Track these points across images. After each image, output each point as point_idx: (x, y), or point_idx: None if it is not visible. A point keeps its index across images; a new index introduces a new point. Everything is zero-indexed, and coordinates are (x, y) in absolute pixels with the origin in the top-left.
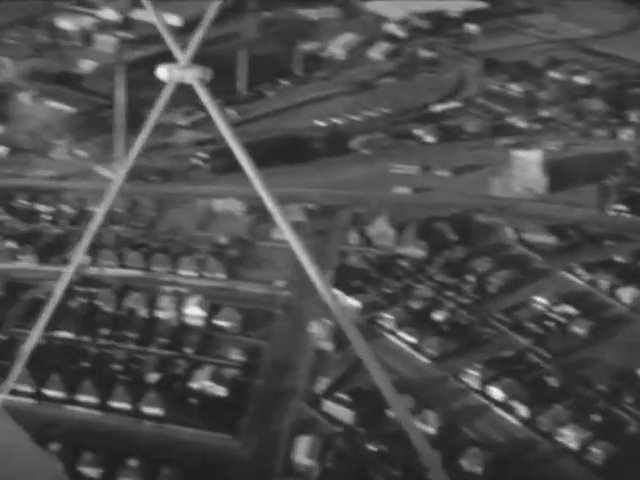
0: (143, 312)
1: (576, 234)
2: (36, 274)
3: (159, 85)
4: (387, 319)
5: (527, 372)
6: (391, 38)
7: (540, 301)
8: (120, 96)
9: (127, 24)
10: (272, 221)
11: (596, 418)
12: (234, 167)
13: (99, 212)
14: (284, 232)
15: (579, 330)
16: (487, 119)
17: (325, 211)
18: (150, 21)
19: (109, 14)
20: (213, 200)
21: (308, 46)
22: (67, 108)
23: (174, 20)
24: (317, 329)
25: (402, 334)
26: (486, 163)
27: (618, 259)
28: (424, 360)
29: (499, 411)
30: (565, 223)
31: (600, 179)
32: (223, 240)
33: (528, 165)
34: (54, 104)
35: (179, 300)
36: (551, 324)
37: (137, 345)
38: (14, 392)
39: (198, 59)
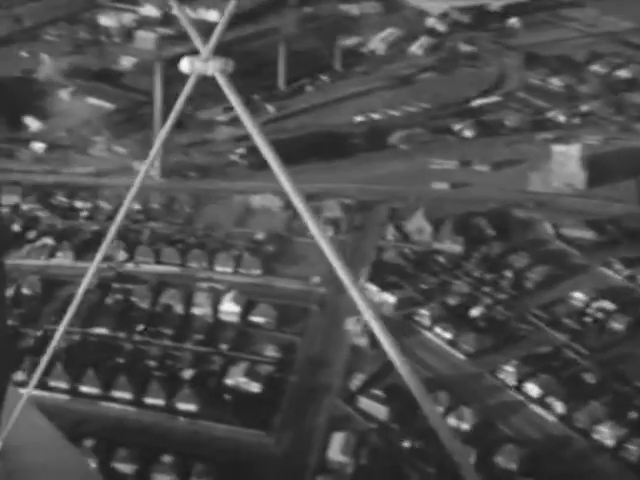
0: (179, 308)
1: (615, 229)
2: (72, 270)
3: (198, 81)
4: (423, 315)
5: (564, 368)
6: (431, 32)
7: (578, 297)
8: (159, 92)
9: (167, 20)
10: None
11: (633, 415)
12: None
13: (122, 208)
14: (311, 228)
15: (617, 326)
16: (527, 113)
17: (362, 206)
18: (191, 17)
19: (149, 10)
20: (250, 196)
21: (348, 41)
22: (106, 105)
23: (213, 15)
24: (352, 325)
25: (438, 330)
26: (525, 158)
27: None
28: (460, 356)
29: (535, 408)
30: (604, 218)
31: None
32: (260, 236)
33: (567, 160)
34: (93, 101)
35: (215, 296)
36: (589, 320)
37: (172, 341)
38: (49, 388)
39: (238, 55)
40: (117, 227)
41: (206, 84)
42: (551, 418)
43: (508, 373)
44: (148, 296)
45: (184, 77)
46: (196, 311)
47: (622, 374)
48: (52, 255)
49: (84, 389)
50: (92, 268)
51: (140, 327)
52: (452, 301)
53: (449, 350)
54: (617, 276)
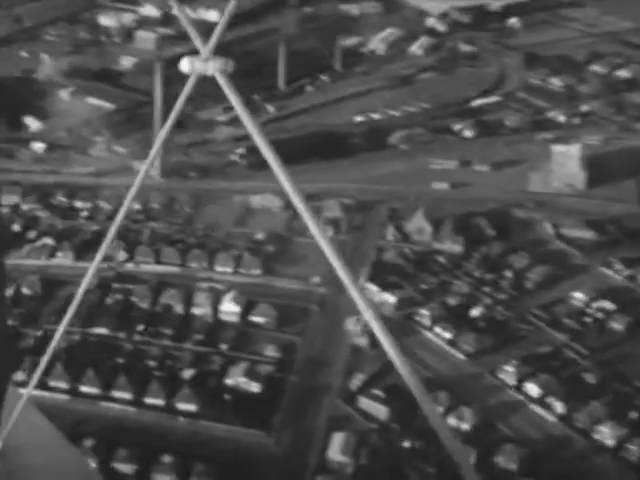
0: (179, 308)
1: (615, 229)
2: (72, 271)
3: (198, 81)
4: (423, 315)
5: (564, 368)
6: (431, 32)
7: (578, 297)
8: (159, 92)
9: (167, 20)
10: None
11: (633, 415)
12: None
13: (122, 209)
14: (311, 228)
15: (617, 326)
16: (527, 113)
17: (362, 206)
18: (191, 17)
19: (149, 10)
20: (250, 196)
21: (348, 41)
22: (106, 105)
23: (213, 16)
24: (352, 325)
25: (438, 330)
26: (525, 158)
27: None
28: (460, 356)
29: (535, 407)
30: (604, 218)
31: None
32: (260, 236)
33: (567, 160)
34: (93, 100)
35: (215, 296)
36: (589, 320)
37: (172, 341)
38: (49, 388)
39: (238, 55)
40: (117, 227)
41: (206, 84)
42: (551, 418)
43: (508, 373)
44: (148, 296)
45: (184, 77)
46: (196, 311)
47: (622, 374)
48: (52, 255)
49: (84, 389)
50: (92, 268)
51: (140, 327)
52: (452, 301)
53: (449, 350)
54: (617, 276)
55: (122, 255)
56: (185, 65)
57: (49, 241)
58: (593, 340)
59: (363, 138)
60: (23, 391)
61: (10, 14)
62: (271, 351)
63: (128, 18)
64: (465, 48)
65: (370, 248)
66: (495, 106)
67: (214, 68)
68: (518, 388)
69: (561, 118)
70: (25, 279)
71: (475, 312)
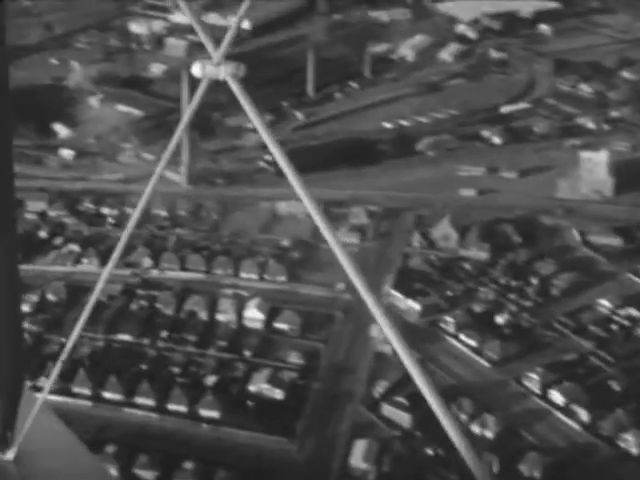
0: (203, 315)
1: None
2: (98, 277)
3: (225, 88)
4: (448, 322)
5: (589, 376)
6: (462, 39)
7: (604, 304)
8: (186, 100)
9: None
10: (335, 224)
11: None
12: (298, 170)
13: (135, 213)
14: (325, 235)
15: None
16: (556, 120)
17: (389, 213)
18: (221, 24)
19: (180, 18)
20: (277, 203)
21: (378, 48)
22: (135, 112)
23: (244, 23)
24: (377, 332)
25: (463, 337)
26: (553, 164)
27: None
28: (484, 363)
29: (559, 415)
30: (631, 225)
31: None
32: (285, 243)
33: (595, 166)
34: (122, 107)
35: (239, 303)
36: (615, 327)
37: (196, 348)
38: (72, 394)
39: (268, 62)
40: (129, 232)
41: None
42: (576, 426)
43: (533, 380)
44: (172, 303)
45: (213, 84)
46: (220, 318)
47: None
48: (78, 261)
49: (107, 395)
50: (104, 274)
51: (164, 334)
52: (477, 308)
53: (474, 357)
54: None
55: (147, 262)
56: (196, 69)
57: (75, 247)
58: (619, 347)
59: (391, 145)
60: (38, 396)
61: (41, 21)
62: (295, 358)
63: (159, 25)
64: (495, 55)
65: (396, 255)
66: (524, 113)
67: (226, 72)
68: (543, 396)
69: (590, 125)
70: (50, 285)
71: (500, 319)
